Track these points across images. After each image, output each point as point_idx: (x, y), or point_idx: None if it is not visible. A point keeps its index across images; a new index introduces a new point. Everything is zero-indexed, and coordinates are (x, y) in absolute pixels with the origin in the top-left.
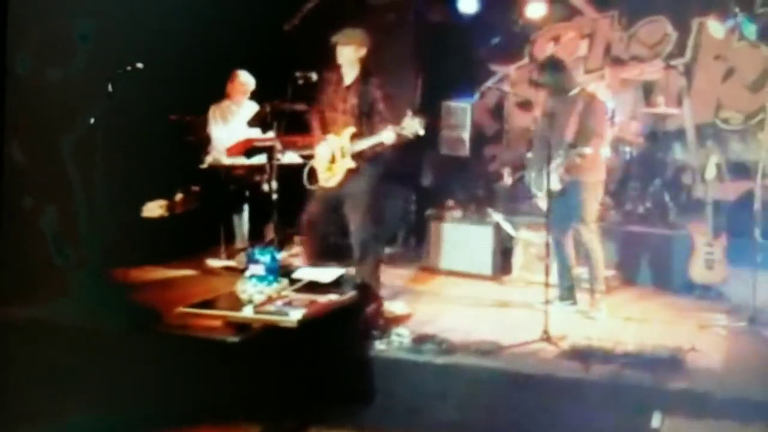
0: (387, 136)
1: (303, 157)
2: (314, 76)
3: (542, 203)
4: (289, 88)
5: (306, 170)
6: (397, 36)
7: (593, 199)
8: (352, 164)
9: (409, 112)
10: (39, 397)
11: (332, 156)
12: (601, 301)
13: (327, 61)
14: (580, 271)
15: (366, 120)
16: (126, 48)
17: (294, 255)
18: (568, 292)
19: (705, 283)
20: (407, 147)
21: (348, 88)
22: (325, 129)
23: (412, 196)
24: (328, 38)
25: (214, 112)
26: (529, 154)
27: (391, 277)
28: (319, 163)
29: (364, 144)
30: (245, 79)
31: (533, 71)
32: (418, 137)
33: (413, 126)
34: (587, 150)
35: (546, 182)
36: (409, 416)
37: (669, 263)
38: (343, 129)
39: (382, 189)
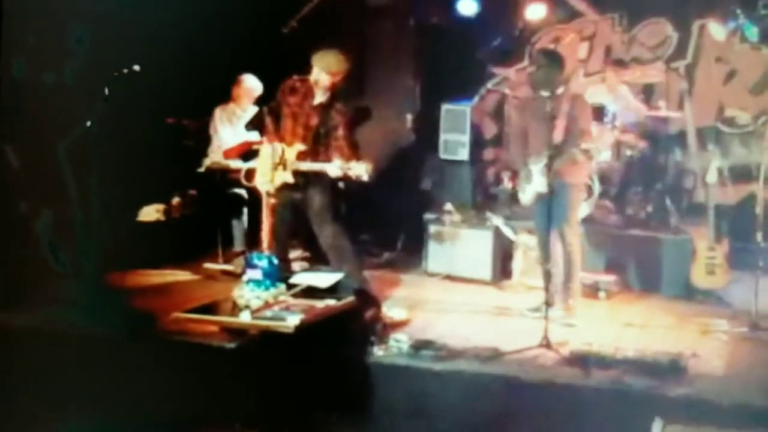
0: (332, 169)
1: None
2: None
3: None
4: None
5: (244, 168)
6: (396, 38)
7: (578, 200)
8: (290, 179)
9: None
10: (36, 403)
11: (274, 163)
12: (576, 306)
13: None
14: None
15: (322, 141)
16: (122, 51)
17: (294, 259)
18: (554, 296)
19: (706, 288)
20: (406, 150)
21: (315, 107)
22: (278, 134)
23: (410, 199)
24: (326, 41)
25: (220, 114)
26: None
27: (389, 282)
28: (261, 165)
29: (308, 166)
30: (252, 84)
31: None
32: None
33: (359, 170)
34: (591, 146)
35: (531, 185)
36: (408, 422)
37: (670, 268)
38: (294, 141)
39: (328, 199)
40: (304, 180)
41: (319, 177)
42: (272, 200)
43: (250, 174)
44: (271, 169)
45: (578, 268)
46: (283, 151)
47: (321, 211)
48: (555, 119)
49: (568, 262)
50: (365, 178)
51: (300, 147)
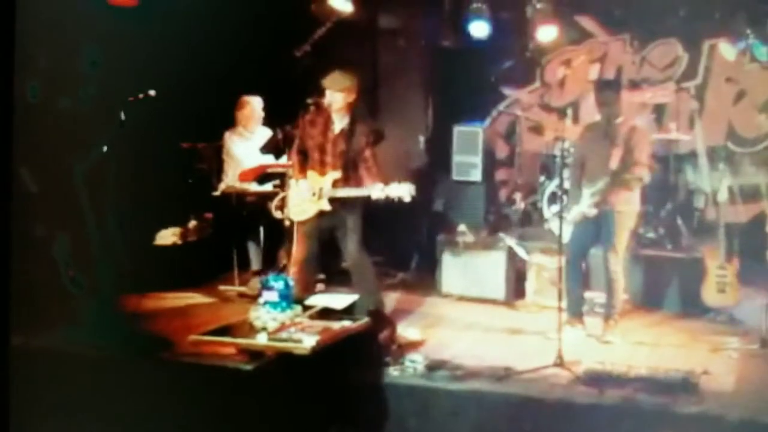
0: (375, 192)
1: (275, 186)
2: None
3: (555, 227)
4: (301, 114)
5: (276, 200)
6: (407, 60)
7: (626, 228)
8: (327, 207)
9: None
10: (52, 424)
11: (312, 195)
12: (616, 327)
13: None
14: (594, 296)
15: (351, 166)
16: (137, 75)
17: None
18: (578, 317)
19: (717, 307)
20: (418, 171)
21: (338, 134)
22: (306, 165)
23: (423, 221)
24: (338, 64)
25: (230, 137)
26: (542, 178)
27: (404, 302)
28: (295, 197)
29: (348, 192)
30: (255, 105)
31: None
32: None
33: (401, 191)
34: (646, 176)
35: (579, 206)
36: None
37: (681, 287)
38: (326, 171)
39: (360, 221)
40: (337, 204)
41: (353, 200)
42: (303, 228)
43: (279, 205)
44: (308, 200)
45: (620, 292)
46: (317, 182)
47: (352, 233)
48: (613, 147)
49: (610, 287)
50: (407, 199)
51: (335, 175)
